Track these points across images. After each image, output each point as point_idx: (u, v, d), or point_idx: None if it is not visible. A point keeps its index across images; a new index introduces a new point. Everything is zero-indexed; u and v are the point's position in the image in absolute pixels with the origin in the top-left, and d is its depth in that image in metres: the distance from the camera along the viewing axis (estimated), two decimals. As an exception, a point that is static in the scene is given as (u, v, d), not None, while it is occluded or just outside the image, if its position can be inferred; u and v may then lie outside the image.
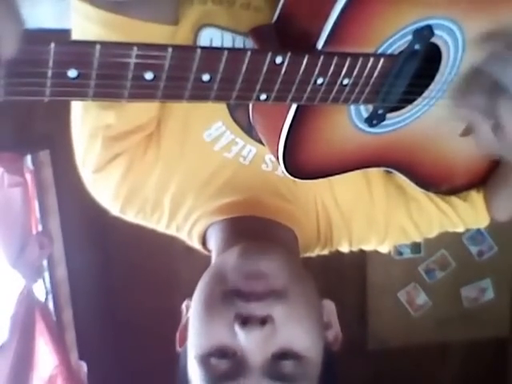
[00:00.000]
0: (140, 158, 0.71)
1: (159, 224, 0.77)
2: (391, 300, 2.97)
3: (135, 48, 0.43)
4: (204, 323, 0.62)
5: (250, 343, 0.59)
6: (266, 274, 0.62)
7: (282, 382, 0.59)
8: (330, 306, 0.72)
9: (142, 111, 0.67)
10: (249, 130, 0.72)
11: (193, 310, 0.65)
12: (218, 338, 0.60)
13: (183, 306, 0.73)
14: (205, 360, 0.61)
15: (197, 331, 0.63)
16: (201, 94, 0.49)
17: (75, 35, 0.60)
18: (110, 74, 0.43)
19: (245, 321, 0.59)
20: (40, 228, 2.10)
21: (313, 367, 0.62)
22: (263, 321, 0.59)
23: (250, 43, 0.64)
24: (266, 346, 0.59)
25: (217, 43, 0.67)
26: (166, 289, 2.53)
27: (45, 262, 2.12)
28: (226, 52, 0.47)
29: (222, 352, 0.60)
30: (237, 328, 0.59)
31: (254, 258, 0.65)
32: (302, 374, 0.61)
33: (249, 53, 0.48)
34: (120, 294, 2.63)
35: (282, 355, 0.60)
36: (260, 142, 0.71)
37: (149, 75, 0.45)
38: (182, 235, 0.79)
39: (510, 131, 0.59)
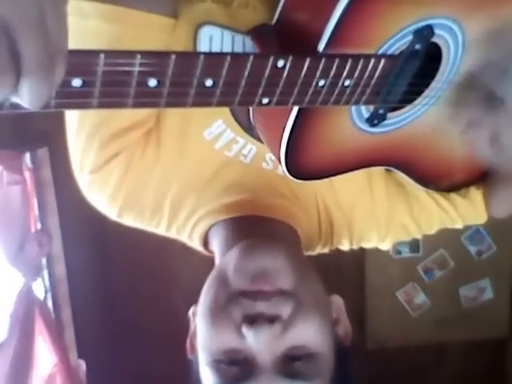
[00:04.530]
0: (139, 157, 0.71)
1: (159, 227, 0.76)
2: (390, 299, 2.97)
3: (139, 56, 0.43)
4: (211, 328, 0.61)
5: (259, 343, 0.57)
6: (270, 273, 0.61)
7: (294, 379, 0.58)
8: (338, 302, 0.72)
9: None
10: (249, 129, 0.72)
11: (199, 317, 0.65)
12: (226, 342, 0.59)
13: (190, 312, 0.72)
14: (215, 365, 0.60)
15: (205, 337, 0.62)
16: (204, 99, 0.49)
17: (74, 37, 0.59)
18: (114, 81, 0.44)
19: (252, 320, 0.57)
20: (39, 226, 2.10)
21: (325, 363, 0.62)
22: (272, 320, 0.57)
23: (249, 42, 0.64)
24: (276, 345, 0.58)
25: (216, 41, 0.67)
26: (166, 287, 2.54)
27: (44, 260, 2.11)
28: (228, 57, 0.47)
29: (232, 357, 0.59)
30: (244, 329, 0.58)
31: (256, 258, 0.63)
32: (315, 370, 0.60)
33: (251, 57, 0.48)
34: (119, 292, 2.63)
35: (293, 353, 0.59)
36: (260, 140, 0.71)
37: (152, 82, 0.45)
38: (183, 237, 0.78)
39: (508, 143, 0.59)
